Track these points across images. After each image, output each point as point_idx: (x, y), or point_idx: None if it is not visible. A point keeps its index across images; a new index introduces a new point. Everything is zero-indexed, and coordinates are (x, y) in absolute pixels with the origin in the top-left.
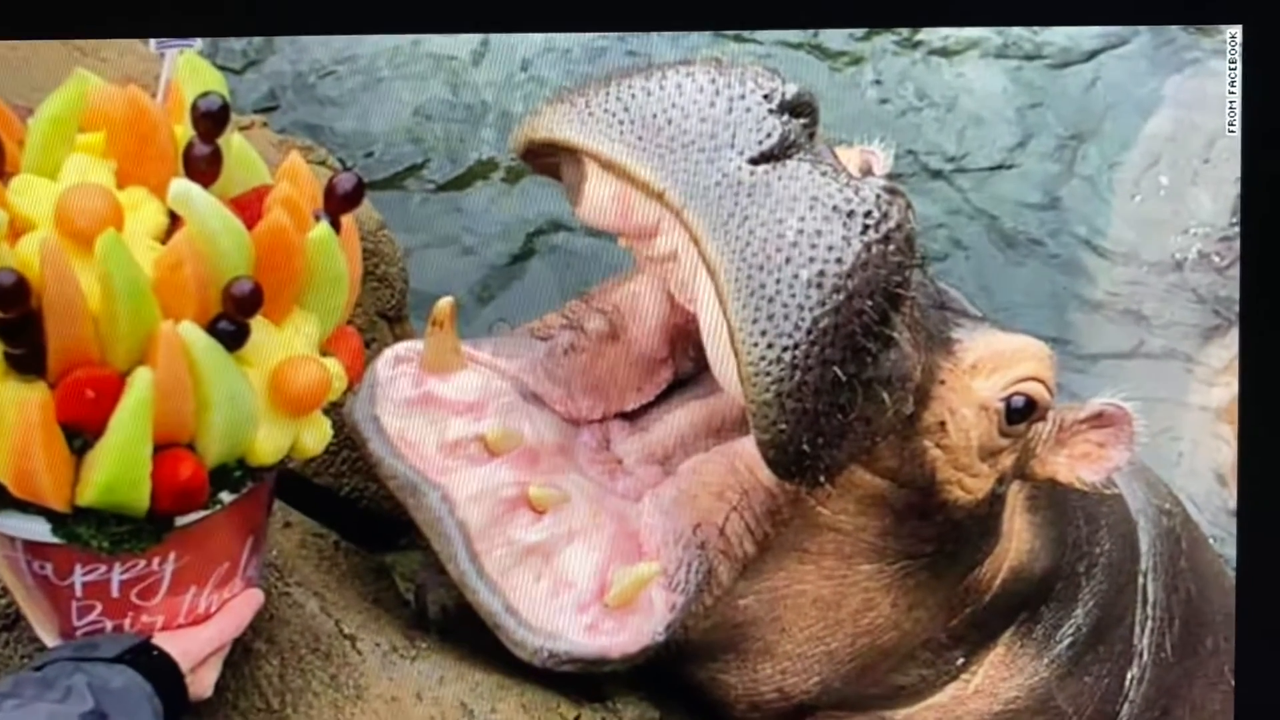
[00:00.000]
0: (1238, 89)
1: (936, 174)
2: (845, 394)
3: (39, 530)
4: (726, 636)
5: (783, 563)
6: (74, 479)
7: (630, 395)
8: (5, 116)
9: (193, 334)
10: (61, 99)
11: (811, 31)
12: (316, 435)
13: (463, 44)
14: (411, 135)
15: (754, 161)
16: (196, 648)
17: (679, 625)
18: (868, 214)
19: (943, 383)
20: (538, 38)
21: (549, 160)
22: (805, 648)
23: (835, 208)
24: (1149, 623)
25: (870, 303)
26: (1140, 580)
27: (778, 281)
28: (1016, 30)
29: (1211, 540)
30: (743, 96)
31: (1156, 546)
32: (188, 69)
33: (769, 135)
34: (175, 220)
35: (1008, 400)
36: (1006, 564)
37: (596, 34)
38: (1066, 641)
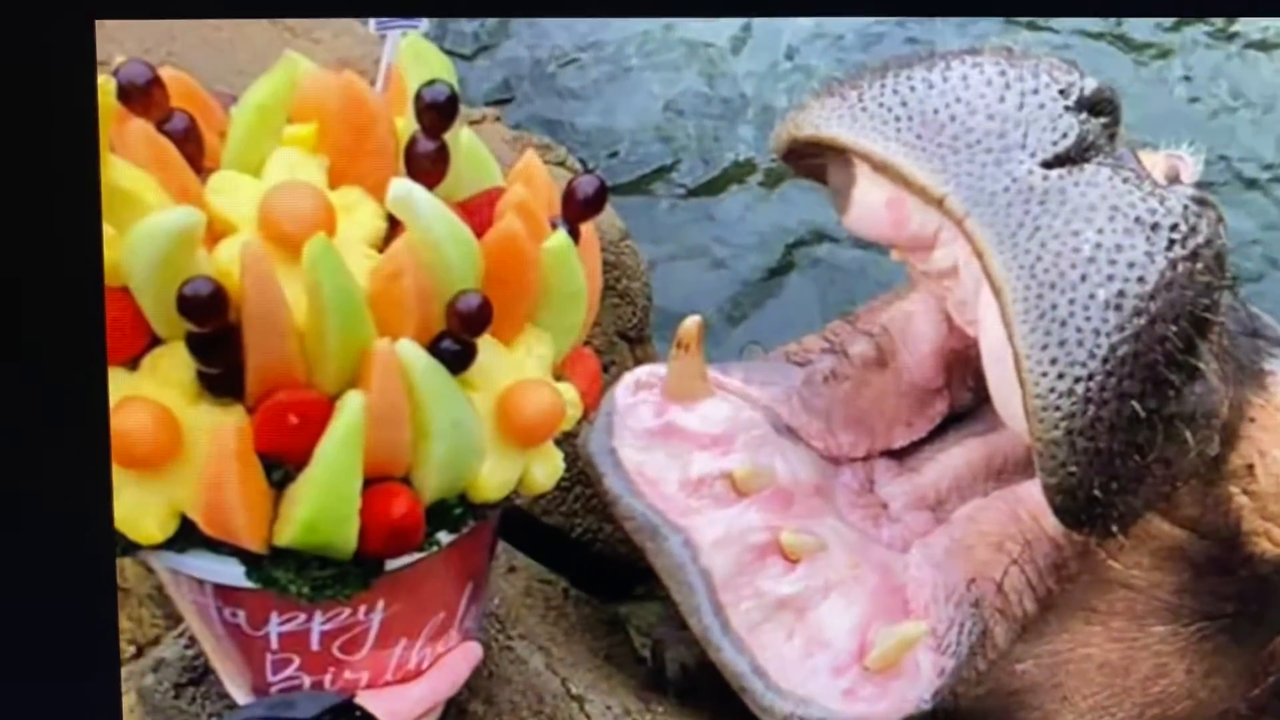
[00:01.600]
0: None
1: (1252, 183)
2: (1144, 432)
3: (232, 573)
4: (1001, 705)
5: (1067, 623)
6: (272, 516)
7: (899, 430)
8: (205, 104)
9: (412, 353)
10: (268, 85)
11: (1114, 20)
12: (547, 469)
13: (721, 29)
14: (661, 133)
15: (1047, 165)
16: (406, 708)
17: (948, 692)
18: (1174, 227)
19: (1253, 420)
20: (806, 22)
21: (814, 161)
22: (1089, 718)
23: (1138, 219)
24: None
25: (1175, 328)
26: None
27: (1071, 302)
28: None
29: None
30: (1036, 91)
31: None
32: (412, 53)
33: (1065, 135)
34: (394, 225)
35: None
36: None
37: (872, 18)
38: None
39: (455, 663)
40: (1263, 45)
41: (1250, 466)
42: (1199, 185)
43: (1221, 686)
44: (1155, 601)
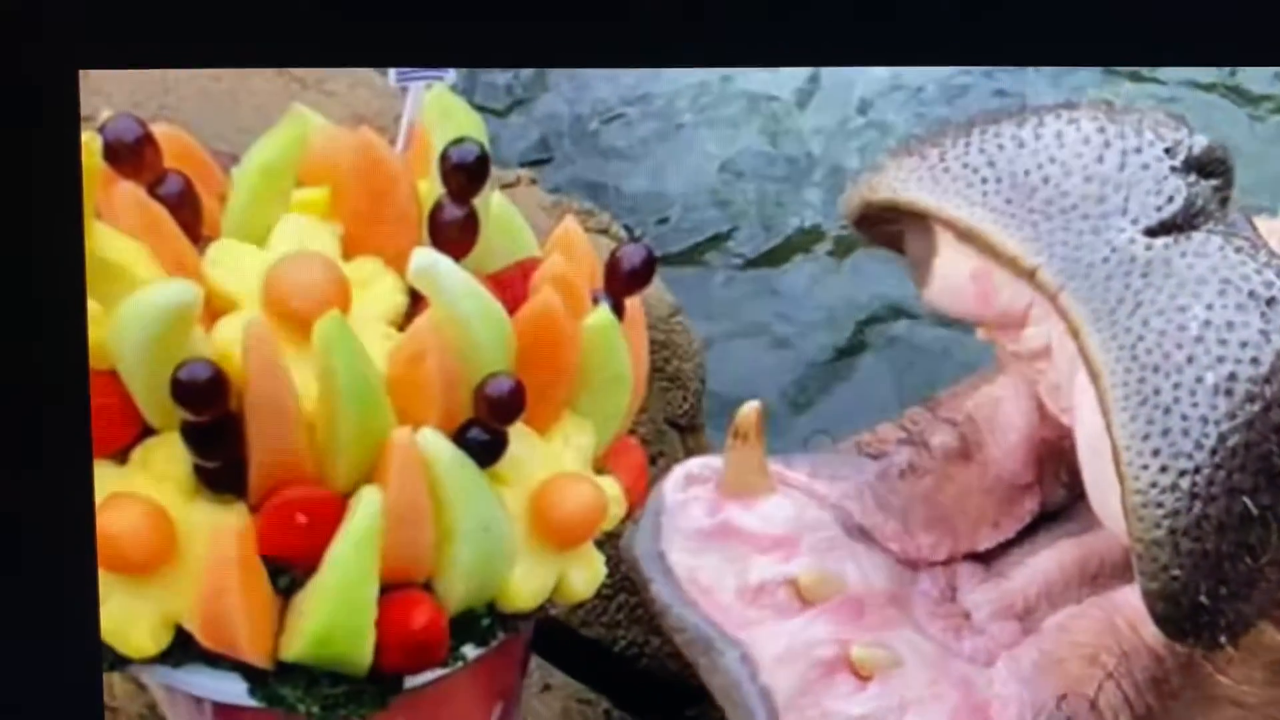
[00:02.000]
0: None
1: None
2: (1257, 531)
3: (233, 691)
4: None
5: None
6: (278, 627)
7: (984, 531)
8: (203, 164)
9: (435, 445)
10: (275, 144)
11: (1228, 70)
12: (587, 575)
13: (786, 81)
14: (717, 197)
15: (1151, 233)
16: None
17: None
18: None
19: None
20: (881, 73)
21: (890, 229)
22: None
23: (1252, 293)
24: None
25: None
26: None
27: (1177, 387)
28: None
29: None
30: (1139, 150)
31: None
32: (437, 108)
33: (1171, 200)
34: (417, 301)
35: None
36: None
37: (956, 68)
38: None
39: None
40: None
41: None
42: None
43: None
44: None
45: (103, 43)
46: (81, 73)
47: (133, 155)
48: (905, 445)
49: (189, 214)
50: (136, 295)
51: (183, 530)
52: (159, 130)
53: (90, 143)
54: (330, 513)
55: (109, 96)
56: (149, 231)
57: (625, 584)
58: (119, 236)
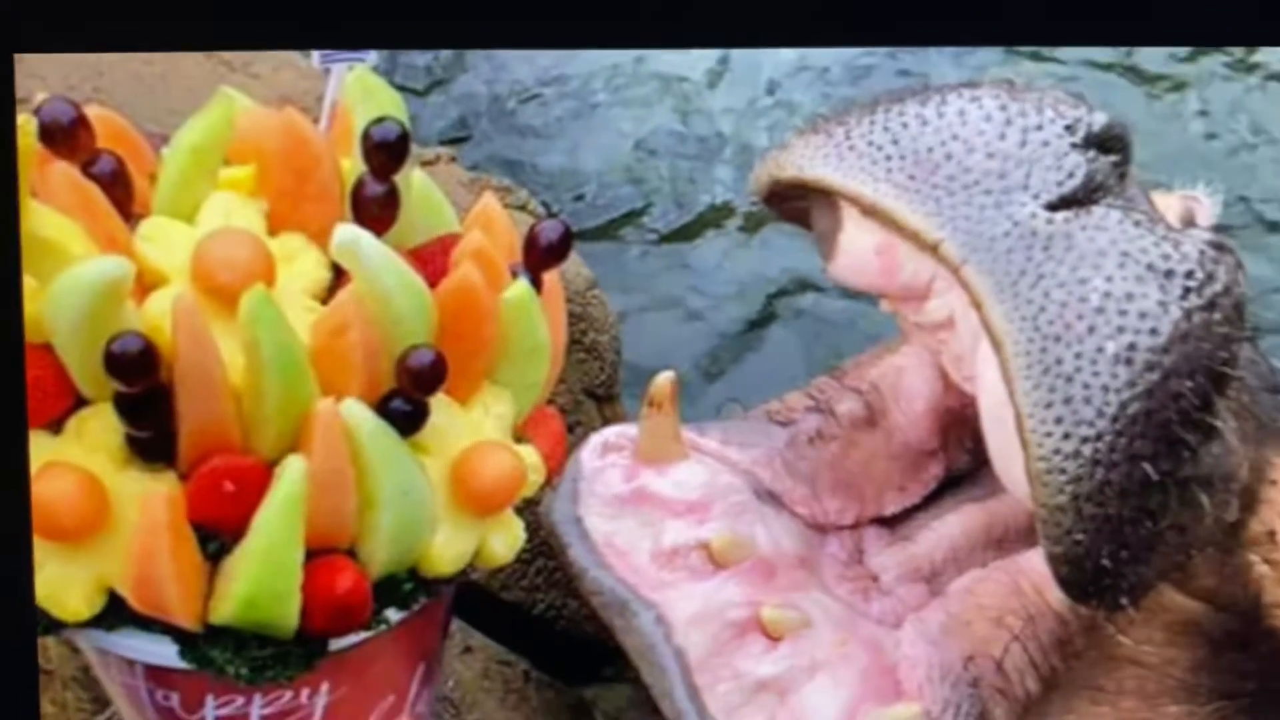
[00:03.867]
0: None
1: (1273, 227)
2: (1156, 496)
3: (164, 653)
4: None
5: (1072, 704)
6: (207, 591)
7: (890, 496)
8: (135, 145)
9: (358, 414)
10: (202, 124)
11: (1125, 50)
12: (507, 539)
13: (697, 63)
14: (631, 174)
15: (1052, 207)
16: None
17: None
18: (1189, 274)
19: (1275, 484)
20: (788, 55)
21: (797, 205)
22: None
23: (1150, 266)
24: None
25: (1190, 384)
26: None
27: (1078, 356)
28: None
29: None
30: (1039, 127)
31: None
32: (359, 89)
33: (1070, 175)
34: (340, 275)
35: None
36: None
37: (860, 50)
38: None
39: None
40: None
41: (1271, 533)
42: (1216, 229)
43: None
44: (1169, 680)
45: (37, 27)
46: (16, 57)
47: (67, 136)
48: (813, 413)
49: (121, 192)
50: (70, 271)
51: (115, 498)
52: (92, 112)
53: (25, 124)
54: (257, 480)
55: (44, 79)
56: (82, 209)
57: (544, 549)
58: (54, 214)
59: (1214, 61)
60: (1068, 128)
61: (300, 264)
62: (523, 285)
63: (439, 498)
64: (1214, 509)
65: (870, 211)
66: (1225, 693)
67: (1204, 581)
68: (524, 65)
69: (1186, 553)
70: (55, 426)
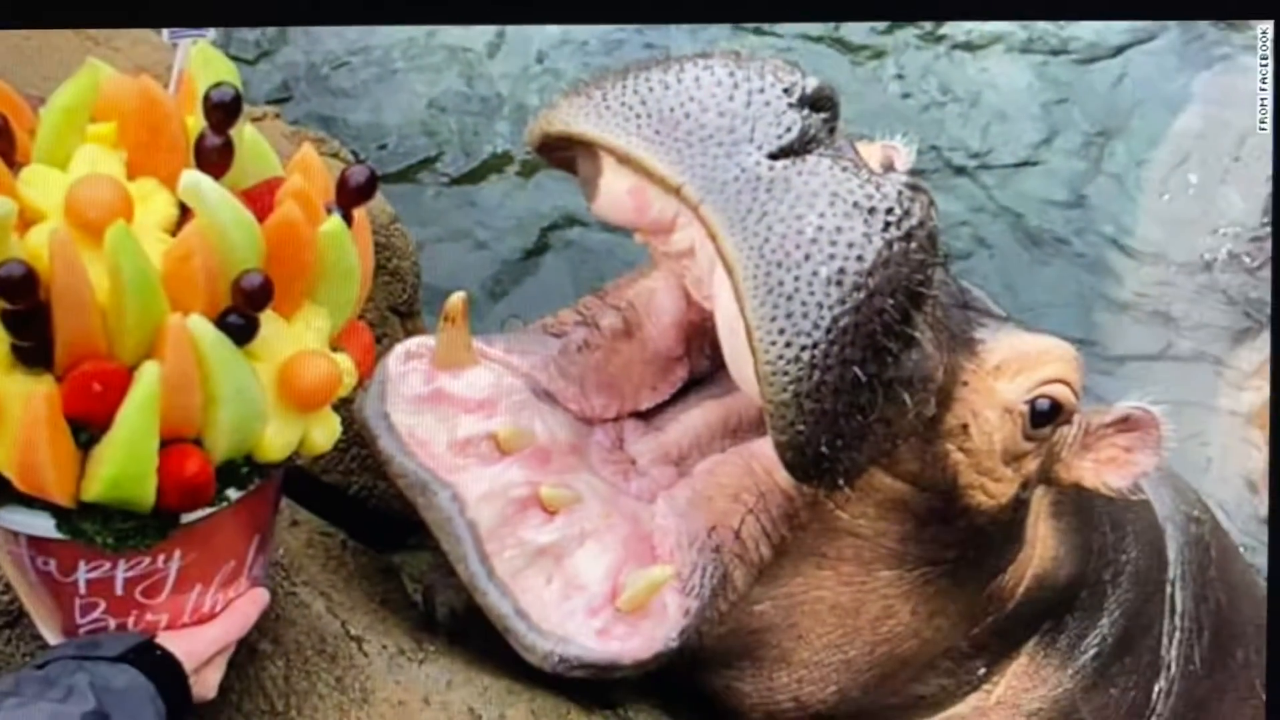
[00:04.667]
0: (1269, 85)
1: (960, 170)
2: (865, 395)
3: (43, 526)
4: (742, 643)
5: (800, 568)
6: (80, 474)
7: (645, 394)
8: (17, 106)
9: (201, 327)
10: (73, 89)
11: (832, 25)
12: (325, 432)
13: (478, 36)
14: (425, 128)
15: (773, 156)
16: (201, 647)
17: (693, 631)
18: (889, 210)
19: (965, 384)
20: (554, 30)
21: (564, 154)
22: (823, 656)
23: (856, 204)
24: (1177, 633)
25: (891, 301)
26: (1168, 589)
27: (796, 279)
28: (1042, 25)
29: (1242, 549)
30: (762, 90)
31: (1185, 555)
32: (200, 59)
33: (788, 130)
34: (185, 212)
35: (1032, 403)
36: (1030, 571)
37: (614, 26)
38: (1092, 652)
39: (245, 607)
40: (968, 46)
41: (965, 426)
42: (912, 173)
43: (945, 626)
44: (881, 549)
45: None
46: None
47: None
48: (581, 326)
49: (6, 145)
50: None
51: (2, 397)
52: None
53: None
54: (120, 382)
55: None
56: None
57: (357, 439)
58: None
59: (908, 34)
60: (785, 90)
61: (153, 203)
62: (336, 220)
63: (269, 397)
64: (915, 405)
65: (624, 160)
66: (929, 560)
67: (908, 466)
68: (335, 39)
69: (893, 442)
70: None
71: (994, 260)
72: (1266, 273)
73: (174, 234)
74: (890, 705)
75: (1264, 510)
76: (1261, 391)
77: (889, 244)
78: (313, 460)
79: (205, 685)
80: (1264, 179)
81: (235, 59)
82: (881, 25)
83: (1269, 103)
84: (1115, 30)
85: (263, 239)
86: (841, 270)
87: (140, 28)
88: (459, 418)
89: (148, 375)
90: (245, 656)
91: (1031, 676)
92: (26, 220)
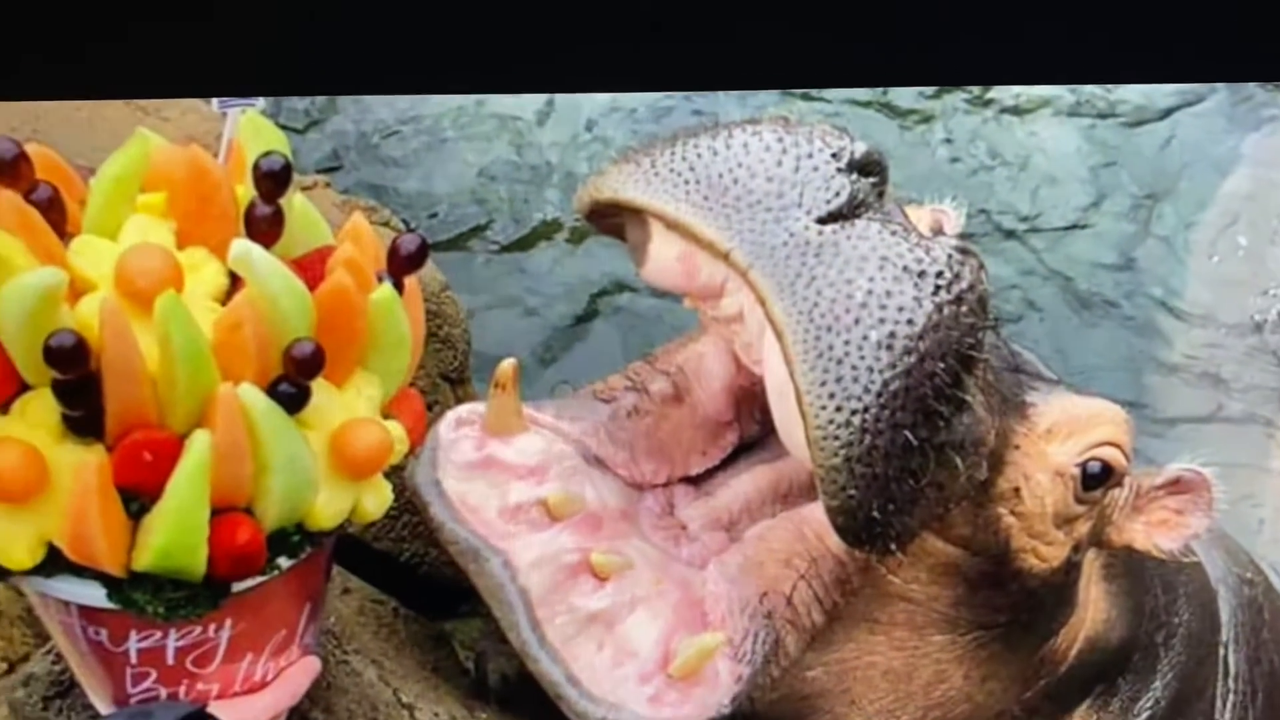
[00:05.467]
0: None
1: (1009, 234)
2: (917, 459)
3: (94, 595)
4: (794, 710)
5: (852, 633)
6: (130, 543)
7: (695, 459)
8: (67, 176)
9: (252, 396)
10: (123, 159)
11: (880, 90)
12: (377, 499)
13: (528, 104)
14: (475, 196)
15: (822, 221)
16: (252, 716)
17: (745, 698)
18: (939, 274)
19: (1017, 448)
20: (603, 98)
21: (614, 221)
22: None
23: (906, 268)
24: (1230, 696)
25: (942, 365)
26: (1221, 651)
27: (846, 343)
28: (1089, 88)
29: None
30: (810, 155)
31: (1238, 616)
32: (250, 128)
33: (837, 194)
34: (236, 281)
35: (1084, 466)
36: (1082, 634)
37: (662, 94)
38: (1145, 715)
39: (296, 675)
40: (1016, 110)
41: (1016, 489)
42: (961, 236)
43: (997, 690)
44: (934, 613)
45: None
46: None
47: (11, 169)
48: (630, 392)
49: (57, 215)
50: (15, 280)
51: (53, 466)
52: (31, 149)
53: None
54: (170, 451)
55: None
56: (25, 229)
57: (409, 506)
58: (1, 234)
59: (956, 98)
60: (834, 155)
61: (203, 273)
62: (387, 288)
63: (320, 465)
64: (966, 469)
65: (673, 226)
66: (982, 624)
67: (960, 530)
68: (385, 108)
69: (945, 506)
70: (3, 408)
71: (1044, 323)
72: None
73: (224, 303)
74: None
75: None
76: None
77: (939, 307)
78: (364, 528)
79: None
80: None
81: (285, 128)
82: (929, 90)
83: None
84: (1163, 93)
85: (314, 307)
86: (892, 334)
87: (190, 98)
88: (510, 484)
89: (198, 444)
90: None
91: None
92: (77, 290)
